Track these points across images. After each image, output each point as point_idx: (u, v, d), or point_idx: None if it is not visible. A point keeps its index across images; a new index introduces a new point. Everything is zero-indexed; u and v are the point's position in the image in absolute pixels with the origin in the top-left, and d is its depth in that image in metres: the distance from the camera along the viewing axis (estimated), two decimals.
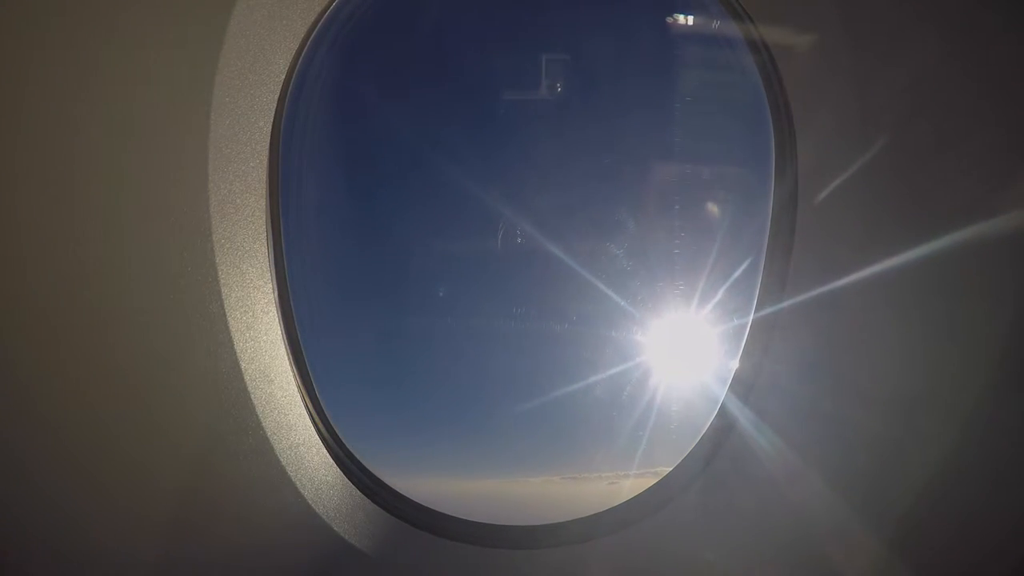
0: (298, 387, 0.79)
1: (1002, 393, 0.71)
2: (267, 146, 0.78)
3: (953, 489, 0.72)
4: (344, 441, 0.79)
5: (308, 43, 0.79)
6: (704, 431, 0.75)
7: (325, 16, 0.79)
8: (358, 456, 0.79)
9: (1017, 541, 0.71)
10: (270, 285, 0.78)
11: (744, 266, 0.75)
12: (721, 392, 0.75)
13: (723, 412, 0.75)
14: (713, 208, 0.79)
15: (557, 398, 0.83)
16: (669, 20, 0.79)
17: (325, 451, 0.79)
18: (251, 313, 0.76)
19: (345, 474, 0.78)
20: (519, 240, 0.80)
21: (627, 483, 0.77)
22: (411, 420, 0.85)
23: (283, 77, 0.78)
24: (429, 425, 0.85)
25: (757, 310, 0.74)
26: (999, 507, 0.72)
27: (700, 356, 0.79)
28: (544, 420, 0.83)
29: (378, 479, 0.79)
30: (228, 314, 0.74)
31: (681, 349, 0.80)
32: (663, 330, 0.79)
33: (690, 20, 0.78)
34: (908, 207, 0.71)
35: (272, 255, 0.78)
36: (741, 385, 0.74)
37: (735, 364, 0.75)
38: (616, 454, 0.81)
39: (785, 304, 0.73)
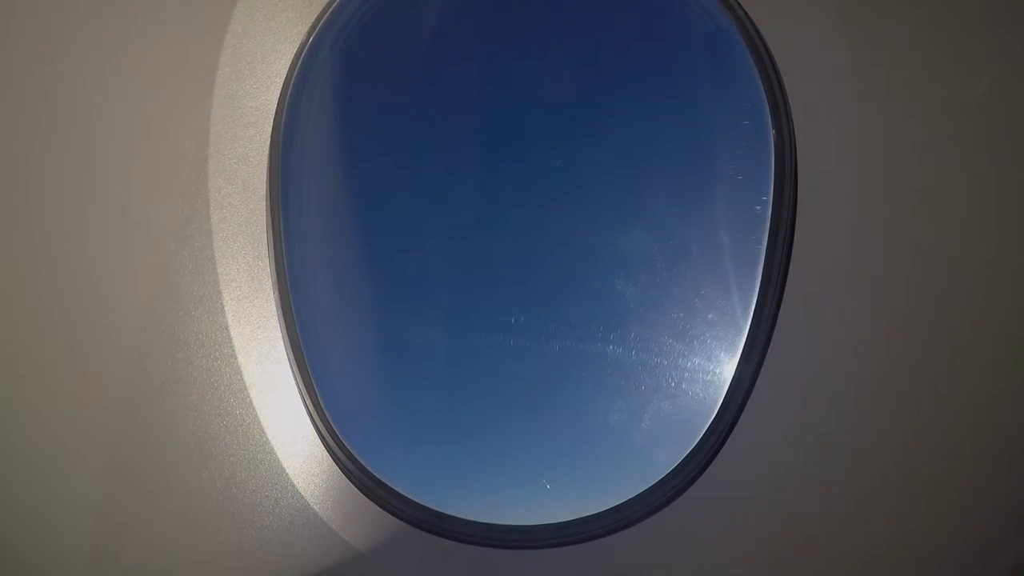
0: (298, 387, 0.79)
1: (1006, 392, 0.71)
2: (267, 146, 0.78)
3: (955, 490, 0.72)
4: (344, 441, 0.79)
5: (309, 43, 0.79)
6: (704, 431, 0.75)
7: (326, 16, 0.79)
8: (358, 456, 0.79)
9: (1016, 540, 0.71)
10: (270, 285, 0.78)
11: (744, 266, 0.75)
12: (721, 392, 0.75)
13: (723, 412, 0.75)
14: (712, 208, 0.79)
15: (556, 400, 0.83)
16: (668, 20, 0.79)
17: (325, 451, 0.79)
18: (251, 313, 0.76)
19: (345, 474, 0.78)
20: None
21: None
22: (412, 420, 0.85)
23: (283, 78, 0.79)
24: (430, 424, 0.85)
25: (757, 310, 0.74)
26: (1000, 507, 0.72)
27: (700, 356, 0.79)
28: (543, 422, 0.83)
29: (378, 479, 0.79)
30: (228, 314, 0.74)
31: (680, 349, 0.80)
32: (662, 330, 0.79)
33: (689, 20, 0.78)
34: (909, 206, 0.71)
35: (272, 255, 0.78)
36: (741, 385, 0.74)
37: (735, 364, 0.75)
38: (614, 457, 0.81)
39: (785, 304, 0.73)
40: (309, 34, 0.79)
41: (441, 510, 0.78)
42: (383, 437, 0.83)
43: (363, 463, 0.79)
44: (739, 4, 0.74)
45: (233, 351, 0.74)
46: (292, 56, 0.78)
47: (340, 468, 0.79)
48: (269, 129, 0.78)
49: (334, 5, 0.79)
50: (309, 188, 0.81)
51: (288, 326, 0.78)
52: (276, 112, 0.78)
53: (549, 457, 0.82)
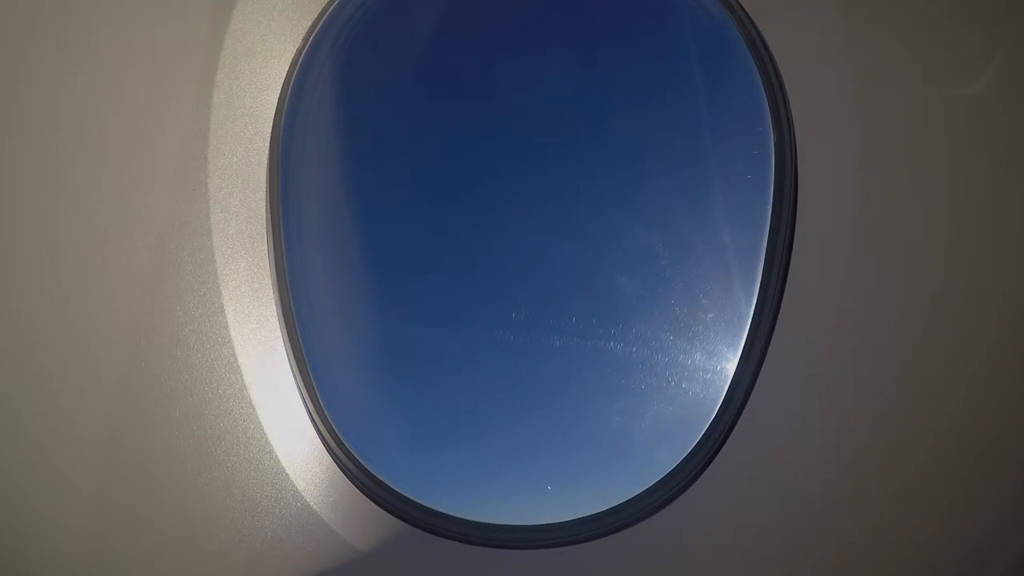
0: (298, 387, 0.79)
1: (1007, 391, 0.71)
2: (267, 146, 0.78)
3: (956, 489, 0.72)
4: (344, 441, 0.79)
5: (309, 43, 0.79)
6: (704, 431, 0.75)
7: (326, 15, 0.79)
8: (358, 456, 0.79)
9: (1016, 540, 0.71)
10: (270, 285, 0.78)
11: (744, 266, 0.75)
12: (721, 392, 0.75)
13: (723, 412, 0.75)
14: (712, 207, 0.79)
15: (556, 400, 0.83)
16: (667, 20, 0.79)
17: (325, 451, 0.79)
18: (251, 313, 0.76)
19: (345, 474, 0.79)
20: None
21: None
22: (412, 419, 0.85)
23: (284, 77, 0.79)
24: (430, 424, 0.85)
25: (757, 309, 0.74)
26: (1001, 507, 0.72)
27: (700, 355, 0.79)
28: (544, 421, 0.83)
29: (378, 479, 0.79)
30: (227, 314, 0.74)
31: (681, 348, 0.80)
32: (663, 330, 0.79)
33: (689, 20, 0.78)
34: (909, 206, 0.71)
35: (272, 255, 0.78)
36: (741, 385, 0.74)
37: (735, 363, 0.75)
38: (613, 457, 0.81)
39: (785, 304, 0.73)
40: (309, 34, 0.79)
41: (441, 510, 0.78)
42: (383, 437, 0.83)
43: (363, 463, 0.79)
44: (739, 3, 0.74)
45: (233, 351, 0.74)
46: (292, 56, 0.79)
47: (340, 468, 0.79)
48: (269, 129, 0.78)
49: (334, 5, 0.79)
50: (309, 188, 0.81)
51: (288, 326, 0.78)
52: (276, 112, 0.78)
53: (549, 457, 0.82)
